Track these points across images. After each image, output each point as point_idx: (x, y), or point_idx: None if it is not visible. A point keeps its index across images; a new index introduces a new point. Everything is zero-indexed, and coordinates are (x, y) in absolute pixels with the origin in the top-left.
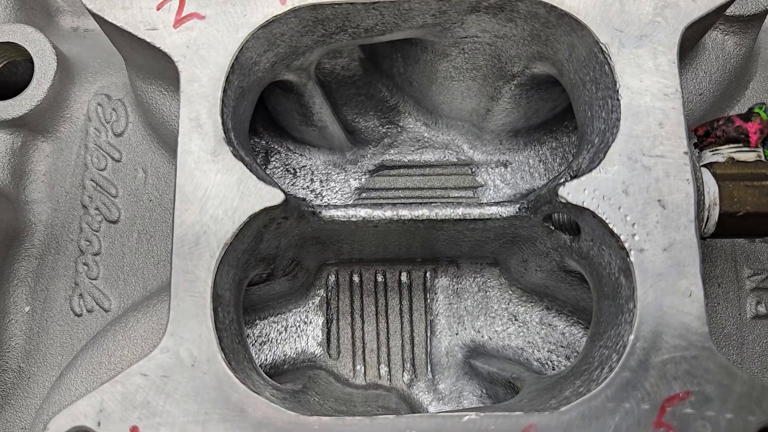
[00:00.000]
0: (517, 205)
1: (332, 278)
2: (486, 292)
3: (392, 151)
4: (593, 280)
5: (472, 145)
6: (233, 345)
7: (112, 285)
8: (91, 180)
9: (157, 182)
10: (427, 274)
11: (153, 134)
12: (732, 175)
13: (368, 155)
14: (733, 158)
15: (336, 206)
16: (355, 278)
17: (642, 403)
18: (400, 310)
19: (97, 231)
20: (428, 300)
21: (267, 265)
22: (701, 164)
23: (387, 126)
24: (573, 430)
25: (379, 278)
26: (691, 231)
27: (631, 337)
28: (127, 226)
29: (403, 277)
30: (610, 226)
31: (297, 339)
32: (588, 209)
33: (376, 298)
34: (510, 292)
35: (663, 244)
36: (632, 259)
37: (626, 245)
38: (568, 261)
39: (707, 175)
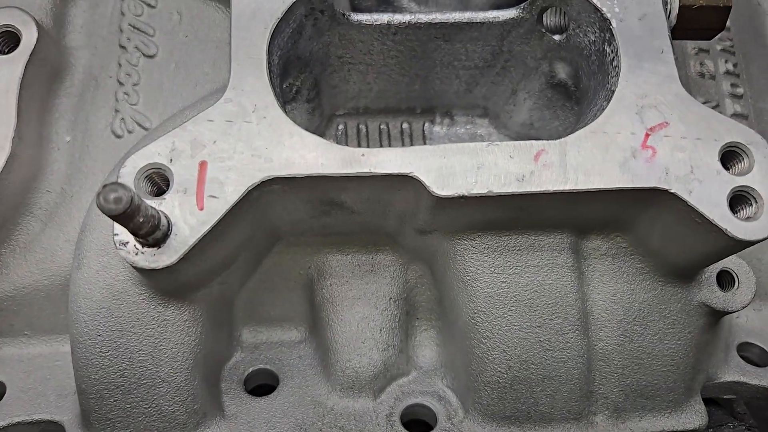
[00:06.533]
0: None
1: (341, 127)
2: (476, 140)
3: None
4: (576, 70)
5: None
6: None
7: (152, 108)
8: (129, 24)
9: (192, 21)
10: (425, 125)
11: None
12: None
13: None
14: None
15: (362, 12)
16: (362, 128)
17: (630, 132)
18: None
19: (136, 65)
20: None
21: (299, 73)
22: None
23: None
24: (575, 143)
25: (383, 127)
26: (658, 6)
27: (617, 84)
28: (165, 59)
29: (404, 126)
30: (594, 1)
31: None
32: None
33: (380, 144)
34: (499, 140)
35: (638, 15)
36: (614, 25)
37: (608, 16)
38: (556, 65)
39: None
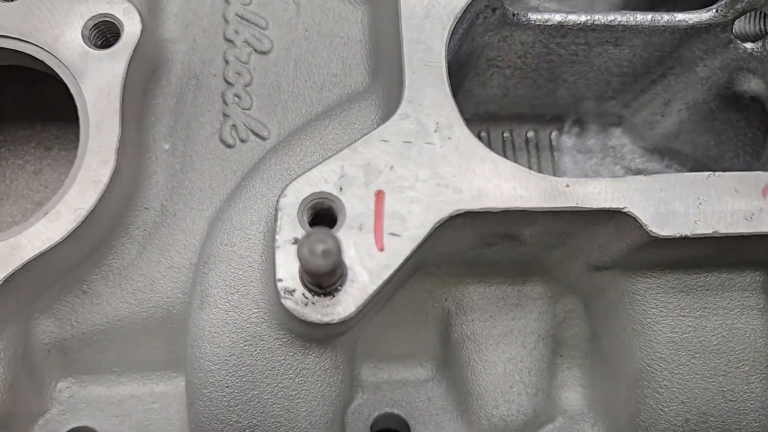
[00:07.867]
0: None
1: None
2: (608, 151)
3: None
4: None
5: None
6: None
7: (270, 113)
8: (236, 14)
9: (312, 13)
10: (552, 134)
11: None
12: None
13: None
14: None
15: (532, 11)
16: (483, 135)
17: None
18: (529, 167)
19: (246, 63)
20: (555, 158)
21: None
22: None
23: None
24: None
25: (506, 135)
26: None
27: None
28: (281, 56)
29: (530, 135)
30: None
31: None
32: None
33: (504, 155)
34: (632, 152)
35: None
36: None
37: None
38: (739, 76)
39: None
